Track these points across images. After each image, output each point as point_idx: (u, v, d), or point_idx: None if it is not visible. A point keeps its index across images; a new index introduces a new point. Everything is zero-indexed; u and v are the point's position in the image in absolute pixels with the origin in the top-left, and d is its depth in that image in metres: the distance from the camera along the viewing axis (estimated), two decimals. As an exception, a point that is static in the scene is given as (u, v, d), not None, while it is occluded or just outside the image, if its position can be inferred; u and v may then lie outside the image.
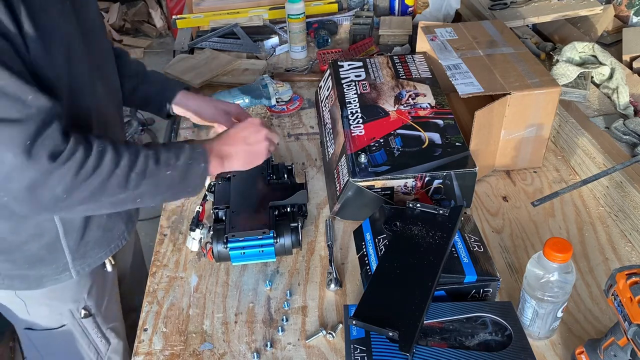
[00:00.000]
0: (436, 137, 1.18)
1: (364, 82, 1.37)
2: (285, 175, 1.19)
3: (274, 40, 1.88)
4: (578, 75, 1.44)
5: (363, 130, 1.21)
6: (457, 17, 1.88)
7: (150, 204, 0.94)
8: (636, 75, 1.45)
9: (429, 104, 1.27)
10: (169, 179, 0.91)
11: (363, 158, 1.13)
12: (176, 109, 1.20)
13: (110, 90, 1.05)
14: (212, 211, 1.11)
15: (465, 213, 1.09)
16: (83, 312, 1.15)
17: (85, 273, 1.09)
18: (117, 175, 0.86)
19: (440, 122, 1.22)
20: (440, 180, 1.12)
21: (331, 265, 1.08)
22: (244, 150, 1.01)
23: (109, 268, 1.15)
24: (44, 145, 0.80)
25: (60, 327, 1.15)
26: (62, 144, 0.82)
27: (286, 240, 1.05)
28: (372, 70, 1.41)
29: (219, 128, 1.18)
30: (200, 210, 1.13)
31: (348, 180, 1.11)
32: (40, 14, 0.81)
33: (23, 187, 0.81)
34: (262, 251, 1.04)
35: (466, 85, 1.19)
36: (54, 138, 0.81)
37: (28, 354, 1.25)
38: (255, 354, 0.93)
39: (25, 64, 0.80)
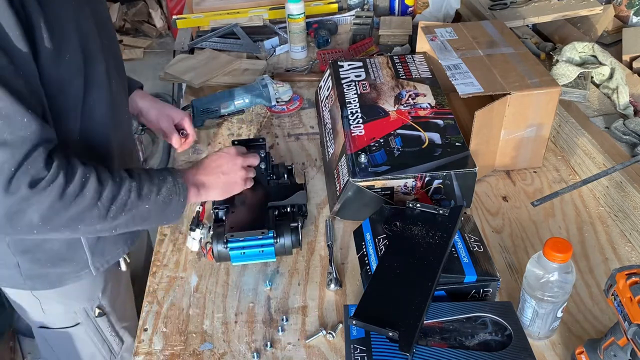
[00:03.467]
0: (436, 137, 1.18)
1: (364, 82, 1.37)
2: (285, 175, 1.19)
3: (274, 40, 1.88)
4: (578, 75, 1.44)
5: (363, 130, 1.21)
6: (457, 17, 1.88)
7: (123, 231, 0.94)
8: (636, 75, 1.45)
9: (429, 104, 1.27)
10: (146, 212, 0.92)
11: (363, 158, 1.13)
12: None
13: (124, 92, 1.07)
14: (212, 211, 1.11)
15: (465, 213, 1.09)
16: (97, 310, 1.15)
17: (104, 270, 1.10)
18: (97, 207, 0.85)
19: (440, 122, 1.22)
20: (440, 180, 1.12)
21: (331, 265, 1.08)
22: (219, 180, 1.03)
23: (123, 267, 1.15)
24: (25, 173, 0.78)
25: (74, 325, 1.16)
26: (44, 171, 0.80)
27: (286, 240, 1.05)
28: (372, 70, 1.41)
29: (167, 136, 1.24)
30: (200, 210, 1.13)
31: (348, 180, 1.11)
32: (61, 29, 0.81)
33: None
34: (262, 251, 1.04)
35: (466, 85, 1.19)
36: (37, 164, 0.79)
37: (43, 351, 1.25)
38: (255, 354, 0.93)
39: (30, 83, 0.80)
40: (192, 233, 1.10)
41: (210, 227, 1.08)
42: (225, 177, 1.04)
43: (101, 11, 0.98)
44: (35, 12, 0.78)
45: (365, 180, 1.10)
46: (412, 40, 1.77)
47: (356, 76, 1.40)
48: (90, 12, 0.91)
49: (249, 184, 1.10)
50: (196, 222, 1.10)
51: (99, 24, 0.94)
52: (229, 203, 1.11)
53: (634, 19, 1.70)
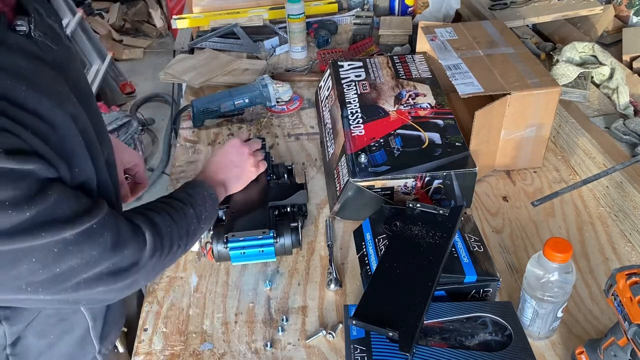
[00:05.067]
0: (436, 137, 1.18)
1: (364, 82, 1.37)
2: (285, 175, 1.19)
3: (274, 40, 1.88)
4: (578, 75, 1.44)
5: (363, 130, 1.21)
6: (457, 17, 1.88)
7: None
8: (636, 75, 1.45)
9: (429, 104, 1.27)
10: (200, 231, 0.94)
11: (363, 158, 1.13)
12: None
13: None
14: (212, 211, 1.11)
15: (465, 213, 1.09)
16: None
17: (107, 353, 1.03)
18: (180, 250, 0.88)
19: (440, 122, 1.22)
20: (440, 180, 1.12)
21: (331, 265, 1.08)
22: (234, 173, 1.06)
23: (120, 349, 1.09)
24: (125, 245, 0.77)
25: None
26: (134, 241, 0.78)
27: (286, 240, 1.05)
28: (372, 70, 1.41)
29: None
30: (200, 210, 1.13)
31: (348, 180, 1.11)
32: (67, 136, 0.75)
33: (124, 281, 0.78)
34: (262, 251, 1.04)
35: (466, 85, 1.19)
36: (126, 232, 0.77)
37: None
38: (255, 354, 0.93)
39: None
40: (192, 233, 1.10)
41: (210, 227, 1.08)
42: (239, 169, 1.07)
43: (91, 99, 0.89)
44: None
45: (365, 180, 1.10)
46: (412, 40, 1.78)
47: (356, 76, 1.40)
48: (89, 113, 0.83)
49: (263, 167, 1.12)
50: (196, 222, 1.10)
51: (92, 113, 0.85)
52: (229, 203, 1.11)
53: (634, 19, 1.70)
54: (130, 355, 0.98)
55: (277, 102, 1.53)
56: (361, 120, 1.24)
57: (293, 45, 1.80)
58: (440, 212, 1.05)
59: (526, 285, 0.89)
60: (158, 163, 2.98)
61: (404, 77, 1.38)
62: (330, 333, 0.96)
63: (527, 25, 1.74)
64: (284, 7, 1.78)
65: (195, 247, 1.10)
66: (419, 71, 1.39)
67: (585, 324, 0.96)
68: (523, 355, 0.84)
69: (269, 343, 0.95)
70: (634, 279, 0.74)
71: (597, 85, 1.47)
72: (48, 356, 0.93)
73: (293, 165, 1.23)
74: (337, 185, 1.18)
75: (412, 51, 1.73)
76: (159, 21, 4.38)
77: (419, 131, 1.20)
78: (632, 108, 1.36)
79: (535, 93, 1.18)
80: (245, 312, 1.01)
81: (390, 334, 0.84)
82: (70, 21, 3.11)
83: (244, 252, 1.04)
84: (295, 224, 1.07)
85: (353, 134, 1.21)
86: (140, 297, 1.24)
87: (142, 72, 3.93)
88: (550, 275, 0.85)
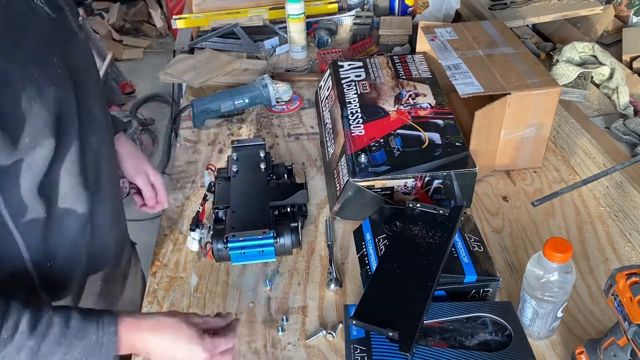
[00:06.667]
0: (436, 137, 1.18)
1: (364, 82, 1.37)
2: (285, 175, 1.19)
3: (274, 40, 1.88)
4: (578, 75, 1.44)
5: (363, 130, 1.21)
6: (457, 17, 1.88)
7: None
8: (636, 75, 1.45)
9: (429, 104, 1.27)
10: None
11: (363, 158, 1.13)
12: None
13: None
14: (212, 211, 1.11)
15: (465, 213, 1.09)
16: None
17: None
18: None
19: (440, 122, 1.22)
20: (440, 180, 1.12)
21: (331, 265, 1.08)
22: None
23: None
24: None
25: None
26: None
27: (286, 240, 1.05)
28: (372, 70, 1.41)
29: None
30: (200, 210, 1.13)
31: (348, 180, 1.11)
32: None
33: None
34: (262, 251, 1.04)
35: (466, 85, 1.19)
36: None
37: None
38: (255, 354, 0.93)
39: None
40: (192, 233, 1.10)
41: (210, 227, 1.08)
42: None
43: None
44: None
45: (365, 180, 1.10)
46: (412, 40, 1.78)
47: (356, 76, 1.40)
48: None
49: None
50: (196, 222, 1.10)
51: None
52: (229, 203, 1.11)
53: (634, 19, 1.70)
54: None
55: (277, 102, 1.53)
56: (361, 120, 1.24)
57: (293, 45, 1.80)
58: (440, 212, 1.05)
59: (526, 285, 0.89)
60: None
61: (404, 77, 1.38)
62: (330, 333, 0.96)
63: (527, 25, 1.74)
64: (284, 7, 1.78)
65: (195, 247, 1.11)
66: (419, 71, 1.39)
67: (585, 324, 0.96)
68: (523, 355, 0.84)
69: (269, 343, 0.95)
70: (634, 279, 0.74)
71: (597, 85, 1.47)
72: None
73: (293, 165, 1.23)
74: (337, 185, 1.18)
75: (412, 51, 1.73)
76: (159, 21, 4.38)
77: (419, 131, 1.20)
78: (632, 108, 1.36)
79: (535, 93, 1.18)
80: (245, 312, 1.01)
81: (390, 334, 0.84)
82: (70, 21, 3.10)
83: (244, 252, 1.04)
84: (295, 224, 1.07)
85: (353, 134, 1.21)
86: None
87: (142, 72, 3.93)
88: (550, 275, 0.85)
